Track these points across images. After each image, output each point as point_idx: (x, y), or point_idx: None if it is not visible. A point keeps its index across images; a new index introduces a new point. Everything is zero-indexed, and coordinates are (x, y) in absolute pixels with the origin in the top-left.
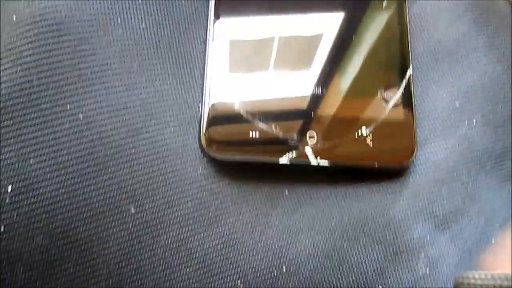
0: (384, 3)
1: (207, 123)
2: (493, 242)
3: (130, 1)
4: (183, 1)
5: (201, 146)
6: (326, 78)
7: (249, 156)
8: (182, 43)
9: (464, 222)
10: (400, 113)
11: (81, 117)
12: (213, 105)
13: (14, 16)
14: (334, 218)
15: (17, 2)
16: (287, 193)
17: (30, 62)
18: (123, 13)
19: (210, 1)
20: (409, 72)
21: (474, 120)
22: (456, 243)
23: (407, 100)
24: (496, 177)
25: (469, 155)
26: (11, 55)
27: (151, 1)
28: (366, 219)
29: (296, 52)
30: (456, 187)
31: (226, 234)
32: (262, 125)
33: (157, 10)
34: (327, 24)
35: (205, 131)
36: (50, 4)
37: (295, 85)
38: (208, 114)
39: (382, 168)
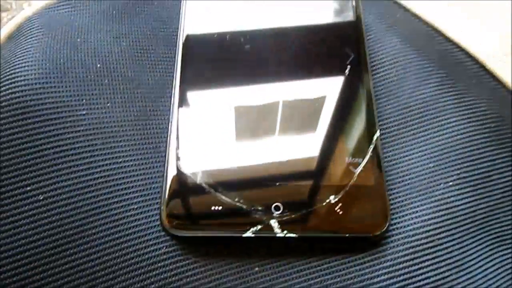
0: (347, 70)
1: (167, 198)
2: None
3: (96, 83)
4: (150, 78)
5: (161, 223)
6: (291, 146)
7: (211, 232)
8: (148, 118)
9: None
10: (370, 178)
11: (41, 198)
12: (173, 178)
13: None
14: None
15: None
16: (257, 269)
17: None
18: (88, 94)
19: (175, 74)
20: (376, 136)
21: (450, 181)
22: None
23: (376, 165)
24: (484, 242)
25: (449, 219)
26: None
27: (118, 81)
28: None
29: (259, 121)
30: (439, 256)
31: None
32: (224, 198)
33: (124, 88)
34: (289, 93)
35: (165, 207)
36: (17, 90)
37: (258, 155)
38: (169, 189)
39: (355, 238)
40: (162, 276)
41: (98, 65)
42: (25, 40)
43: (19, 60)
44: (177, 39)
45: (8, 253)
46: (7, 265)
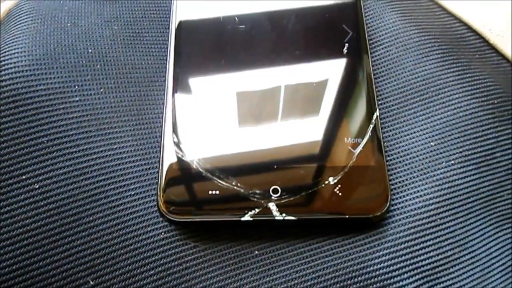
0: (345, 49)
1: (164, 184)
2: None
3: (88, 68)
4: (143, 63)
5: (159, 208)
6: (288, 128)
7: (209, 216)
8: (143, 103)
9: (456, 273)
10: (370, 159)
11: (37, 187)
12: (170, 164)
13: None
14: (309, 278)
15: None
16: (257, 252)
17: None
18: (80, 80)
19: (168, 60)
20: (376, 115)
21: (452, 159)
22: None
23: (375, 145)
24: (487, 221)
25: (452, 199)
26: None
27: (110, 66)
28: (344, 276)
29: (255, 103)
30: (441, 235)
31: None
32: (222, 183)
33: (116, 73)
34: (285, 75)
35: (162, 193)
36: (6, 77)
37: (255, 137)
38: (165, 175)
39: (355, 219)
40: (161, 262)
41: (90, 50)
42: (14, 26)
43: (8, 47)
44: (169, 21)
45: (6, 242)
46: (6, 254)
